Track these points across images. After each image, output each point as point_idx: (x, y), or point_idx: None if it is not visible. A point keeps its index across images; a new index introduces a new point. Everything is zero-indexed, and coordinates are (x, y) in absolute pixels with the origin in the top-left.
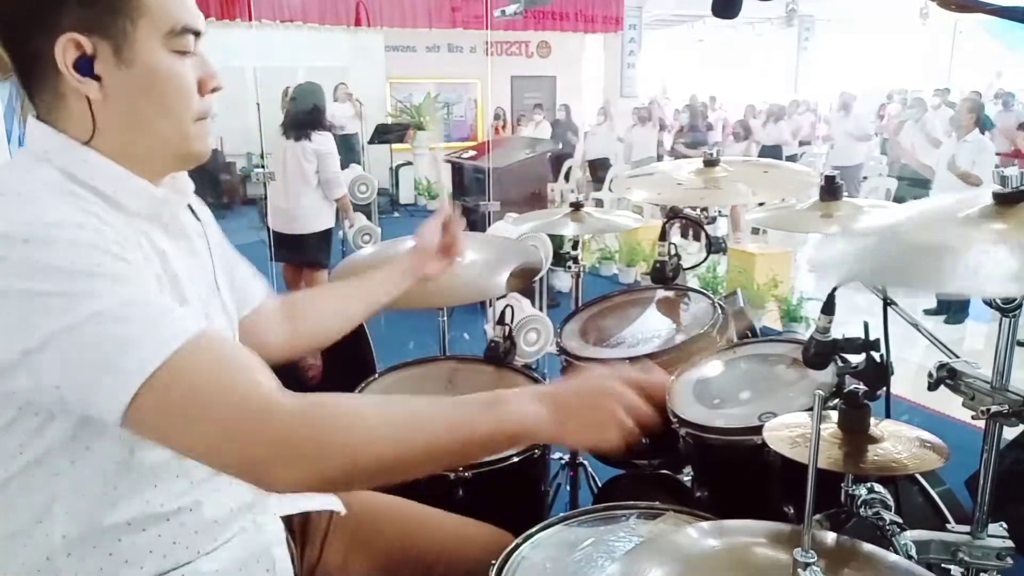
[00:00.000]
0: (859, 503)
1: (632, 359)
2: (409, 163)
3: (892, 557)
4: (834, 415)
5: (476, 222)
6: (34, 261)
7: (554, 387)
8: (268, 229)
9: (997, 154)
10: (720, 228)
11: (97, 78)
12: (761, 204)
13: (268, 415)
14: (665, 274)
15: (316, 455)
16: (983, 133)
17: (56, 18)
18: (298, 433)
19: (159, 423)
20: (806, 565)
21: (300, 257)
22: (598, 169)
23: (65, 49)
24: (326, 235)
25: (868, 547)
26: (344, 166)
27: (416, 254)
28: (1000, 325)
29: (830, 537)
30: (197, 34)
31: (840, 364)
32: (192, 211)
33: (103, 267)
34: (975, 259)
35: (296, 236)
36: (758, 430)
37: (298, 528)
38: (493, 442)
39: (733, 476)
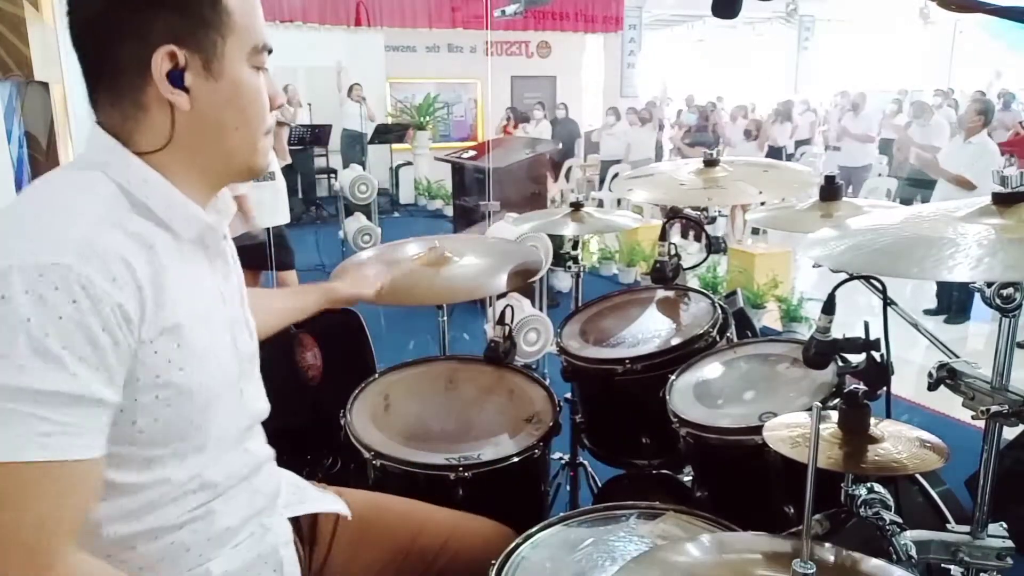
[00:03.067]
0: (859, 503)
1: (633, 359)
2: (409, 163)
3: (896, 573)
4: (834, 415)
5: (476, 222)
6: None
7: None
8: (268, 229)
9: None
10: (720, 228)
11: (186, 90)
12: (763, 204)
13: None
14: (665, 274)
15: None
16: (990, 135)
17: (150, 28)
18: None
19: None
20: None
21: (255, 260)
22: (607, 170)
23: (161, 60)
24: (279, 233)
25: (870, 562)
26: (345, 166)
27: (335, 294)
28: (1000, 325)
29: (831, 553)
30: (270, 51)
31: (840, 364)
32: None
33: (17, 348)
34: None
35: (247, 237)
36: (758, 430)
37: (307, 529)
38: None
39: (733, 476)
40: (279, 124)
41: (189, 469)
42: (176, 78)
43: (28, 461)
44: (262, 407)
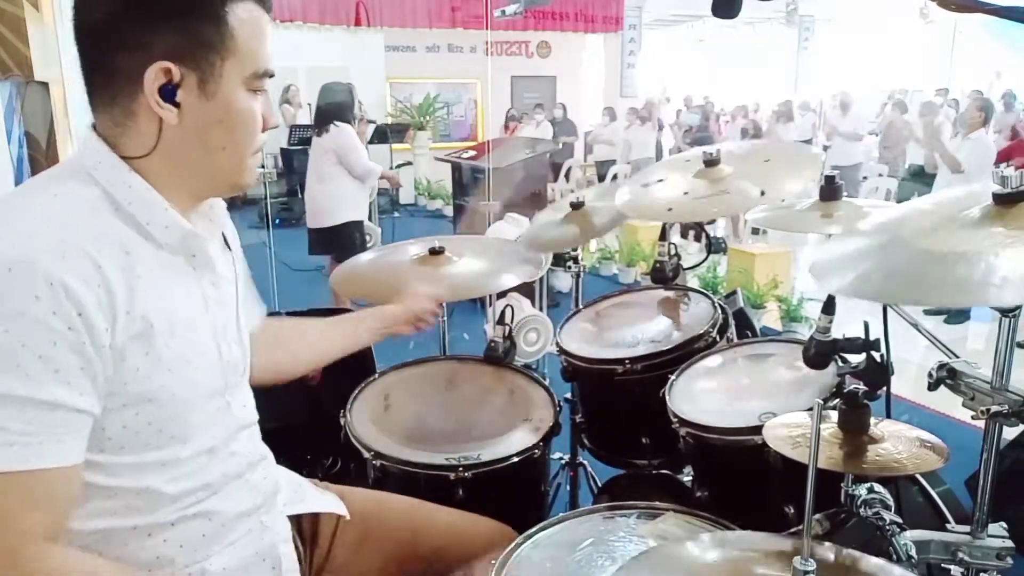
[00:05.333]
0: (859, 503)
1: (633, 359)
2: (409, 163)
3: (896, 572)
4: (834, 415)
5: (476, 222)
6: None
7: None
8: (269, 229)
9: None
10: (720, 228)
11: (177, 105)
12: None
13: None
14: (665, 274)
15: None
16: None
17: (150, 42)
18: None
19: None
20: (805, 573)
21: (331, 250)
22: (603, 169)
23: (155, 74)
24: (357, 226)
25: (870, 560)
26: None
27: (391, 314)
28: (1000, 325)
29: (832, 551)
30: (271, 76)
31: (840, 364)
32: (224, 240)
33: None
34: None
35: (324, 229)
36: (758, 430)
37: (308, 528)
38: None
39: (733, 476)
40: (369, 122)
41: (170, 473)
42: (168, 93)
43: None
44: (249, 415)
